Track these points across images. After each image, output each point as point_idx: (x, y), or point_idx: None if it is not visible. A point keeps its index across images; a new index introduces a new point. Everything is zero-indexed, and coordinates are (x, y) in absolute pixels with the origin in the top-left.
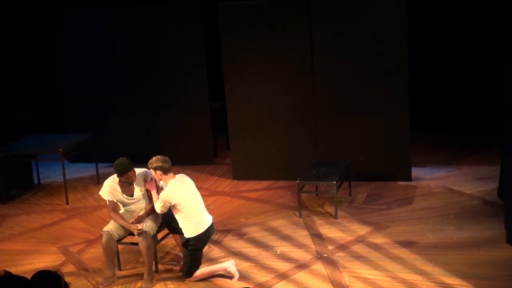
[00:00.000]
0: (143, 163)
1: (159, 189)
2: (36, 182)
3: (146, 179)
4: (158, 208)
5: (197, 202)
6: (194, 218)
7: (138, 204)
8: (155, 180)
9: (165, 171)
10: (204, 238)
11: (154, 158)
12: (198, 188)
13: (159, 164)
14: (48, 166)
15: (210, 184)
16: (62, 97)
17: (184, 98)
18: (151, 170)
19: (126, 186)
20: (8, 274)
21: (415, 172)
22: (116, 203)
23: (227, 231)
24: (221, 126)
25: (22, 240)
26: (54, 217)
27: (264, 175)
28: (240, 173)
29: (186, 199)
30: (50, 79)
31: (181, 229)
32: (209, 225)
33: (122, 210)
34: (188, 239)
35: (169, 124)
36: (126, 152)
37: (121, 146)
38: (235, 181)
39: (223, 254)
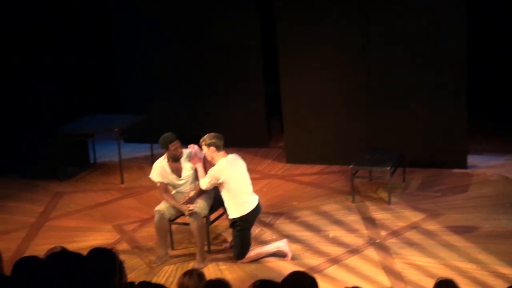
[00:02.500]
0: (197, 144)
1: (206, 164)
2: (92, 161)
3: (190, 157)
4: (204, 183)
5: (245, 183)
6: (240, 199)
7: (188, 185)
8: (202, 156)
9: (218, 148)
10: (250, 218)
11: (207, 135)
12: (251, 170)
13: (213, 141)
14: (104, 146)
15: (263, 167)
16: (118, 78)
17: (239, 81)
18: (204, 146)
19: (175, 167)
20: (64, 251)
21: (471, 159)
22: (166, 184)
23: (279, 214)
24: (275, 109)
25: (78, 217)
26: (109, 196)
27: (317, 159)
28: (294, 157)
29: (234, 179)
30: (107, 60)
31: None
32: (255, 206)
33: (173, 192)
34: (235, 220)
35: (224, 107)
36: (181, 134)
37: (175, 128)
38: (288, 165)
39: (275, 237)
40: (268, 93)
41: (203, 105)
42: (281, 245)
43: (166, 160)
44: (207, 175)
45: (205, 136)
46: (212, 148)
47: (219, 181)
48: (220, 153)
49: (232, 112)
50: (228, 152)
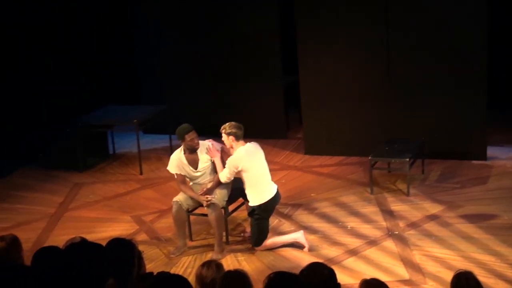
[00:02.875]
0: (216, 135)
1: (223, 157)
2: (111, 152)
3: (207, 149)
4: (224, 175)
5: (263, 171)
6: (259, 187)
7: (205, 177)
8: (219, 149)
9: (238, 137)
10: (269, 207)
11: (227, 123)
12: (270, 161)
13: (233, 130)
14: (123, 137)
15: (281, 158)
16: (139, 68)
17: (257, 72)
18: (224, 135)
19: (192, 158)
20: (83, 241)
21: (491, 151)
22: (183, 176)
23: (297, 205)
24: (294, 100)
25: (97, 208)
26: (128, 187)
27: (336, 151)
28: (312, 148)
29: (253, 167)
30: (128, 51)
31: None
32: (274, 195)
33: (191, 183)
34: (253, 209)
35: (243, 98)
36: (199, 125)
37: (194, 119)
38: (307, 156)
39: (293, 228)
40: (286, 84)
41: (222, 96)
42: (298, 236)
43: (182, 152)
44: (226, 166)
45: (226, 125)
46: (232, 137)
47: (238, 169)
48: (239, 142)
49: (251, 103)
50: (247, 141)
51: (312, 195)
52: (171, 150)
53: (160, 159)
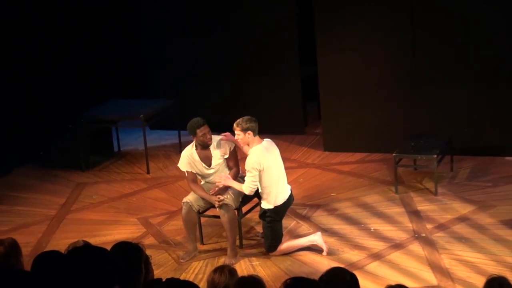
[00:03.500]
0: (229, 131)
1: (238, 153)
2: (116, 149)
3: (221, 144)
4: (248, 185)
5: (279, 171)
6: (274, 189)
7: (218, 175)
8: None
9: (255, 131)
10: (281, 209)
11: (241, 119)
12: (286, 159)
13: (251, 124)
14: (129, 133)
15: (299, 155)
16: (145, 60)
17: (273, 63)
18: (239, 132)
19: (204, 155)
20: (87, 245)
21: None
22: (195, 174)
23: (316, 206)
24: (312, 93)
25: (101, 209)
26: (134, 187)
27: (357, 147)
28: (332, 144)
29: (271, 167)
30: (134, 41)
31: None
32: (287, 197)
33: (202, 183)
34: (265, 211)
35: (257, 91)
36: (211, 120)
37: (206, 113)
38: (326, 153)
39: (312, 230)
40: (304, 76)
41: (235, 89)
42: (315, 238)
43: (194, 148)
44: (246, 167)
45: (240, 120)
46: (250, 132)
47: (260, 169)
48: (256, 138)
49: (266, 96)
50: (262, 137)
51: (332, 194)
52: (180, 147)
53: (168, 156)
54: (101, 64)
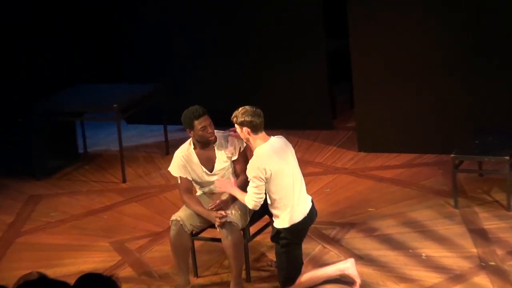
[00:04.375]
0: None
1: (248, 155)
2: (81, 150)
3: (228, 142)
4: (251, 197)
5: (295, 179)
6: (288, 201)
7: (219, 180)
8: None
9: (255, 128)
10: (300, 229)
11: (240, 109)
12: (308, 163)
13: (248, 119)
14: (99, 129)
15: (325, 158)
16: (122, 35)
17: (291, 36)
18: (236, 126)
19: (205, 156)
20: (43, 278)
21: None
22: (190, 182)
23: (349, 225)
24: (342, 74)
25: (63, 231)
26: (106, 200)
27: (403, 146)
28: (369, 142)
29: (280, 173)
30: (107, 11)
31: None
32: (307, 212)
33: (199, 193)
34: (278, 231)
35: (268, 73)
36: (212, 112)
37: (200, 103)
38: (362, 154)
39: (343, 257)
40: (331, 52)
41: (242, 71)
42: (347, 266)
43: (192, 147)
44: (249, 179)
45: (237, 112)
46: (246, 129)
47: (266, 176)
48: (257, 135)
49: (280, 80)
50: (270, 134)
51: (370, 210)
52: (167, 147)
53: (151, 159)
54: (63, 40)
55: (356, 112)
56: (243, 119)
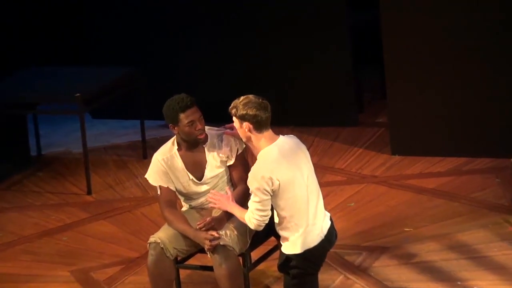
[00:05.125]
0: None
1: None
2: (34, 152)
3: (222, 142)
4: (251, 216)
5: (310, 191)
6: (301, 221)
7: (213, 193)
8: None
9: (259, 125)
10: (316, 254)
11: (242, 98)
12: (326, 168)
13: (251, 112)
14: (57, 125)
15: (348, 162)
16: (90, 7)
17: (303, 6)
18: (235, 119)
19: (192, 159)
20: None
21: None
22: (174, 192)
23: (379, 250)
24: (370, 55)
25: (10, 256)
26: (66, 217)
27: (449, 148)
28: (406, 143)
29: (291, 184)
30: None
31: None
32: (325, 234)
33: (185, 207)
34: (288, 258)
35: (276, 55)
36: (204, 105)
37: (187, 92)
38: (396, 157)
39: None
40: (356, 26)
41: (240, 51)
42: None
43: (176, 148)
44: (250, 191)
45: (237, 101)
46: (247, 125)
47: (272, 188)
48: (262, 134)
49: (292, 62)
50: (279, 132)
51: (407, 230)
52: (145, 148)
53: (123, 165)
54: (15, 13)
55: (389, 104)
56: (245, 111)
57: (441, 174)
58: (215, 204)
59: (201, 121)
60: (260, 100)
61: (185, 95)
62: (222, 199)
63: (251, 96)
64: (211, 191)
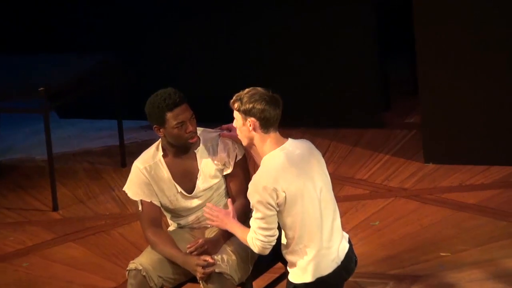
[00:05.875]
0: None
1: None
2: None
3: (218, 147)
4: (254, 237)
5: (323, 207)
6: (312, 242)
7: (210, 207)
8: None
9: (267, 123)
10: (331, 283)
11: (248, 90)
12: (344, 179)
13: (258, 106)
14: (15, 126)
15: (372, 172)
16: None
17: None
18: (237, 114)
19: (181, 167)
20: None
21: None
22: (158, 208)
23: (410, 279)
24: (400, 42)
25: None
26: (26, 238)
27: (495, 155)
28: (442, 148)
29: (300, 197)
30: None
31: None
32: (341, 259)
33: (172, 227)
34: (296, 287)
35: (284, 41)
36: (197, 102)
37: (176, 86)
38: (430, 166)
39: None
40: (382, 7)
41: (241, 37)
42: None
43: (161, 153)
44: (251, 205)
45: (242, 93)
46: (252, 121)
47: (278, 202)
48: (268, 135)
49: (304, 51)
50: (287, 135)
51: (443, 254)
52: (123, 154)
53: (97, 174)
54: None
55: (422, 101)
56: (251, 105)
57: (485, 187)
58: (212, 220)
59: (192, 122)
60: (271, 93)
61: (173, 90)
62: (220, 215)
63: (259, 88)
64: (207, 203)
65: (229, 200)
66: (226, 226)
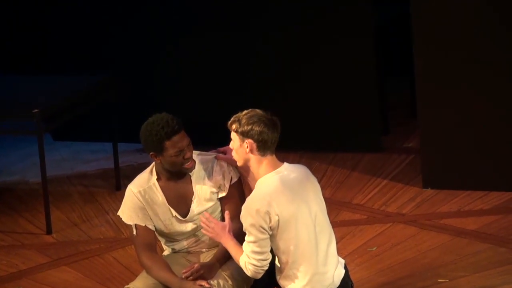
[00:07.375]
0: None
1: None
2: None
3: (213, 170)
4: (246, 260)
5: (318, 232)
6: (306, 267)
7: (204, 235)
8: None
9: (264, 146)
10: None
11: (247, 112)
12: (339, 203)
13: (257, 128)
14: (9, 149)
15: (369, 197)
16: (52, 11)
17: (315, 6)
18: (236, 137)
19: (176, 192)
20: None
21: None
22: (153, 232)
23: None
24: (398, 63)
25: None
26: (19, 262)
27: (495, 180)
28: (440, 174)
29: (294, 221)
30: None
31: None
32: (337, 285)
33: (166, 252)
34: None
35: (281, 62)
36: (191, 123)
37: (172, 110)
38: (429, 192)
39: None
40: (381, 26)
41: (236, 58)
42: None
43: (155, 177)
44: (244, 228)
45: (241, 114)
46: (250, 143)
47: (271, 225)
48: (265, 157)
49: (302, 71)
50: (284, 158)
51: (441, 281)
52: (118, 177)
53: (91, 197)
54: None
55: (421, 125)
56: (249, 127)
57: (484, 213)
58: (208, 231)
59: (189, 148)
60: (269, 115)
61: (169, 116)
62: (217, 228)
63: (258, 110)
64: (204, 213)
65: (227, 212)
66: (221, 239)
